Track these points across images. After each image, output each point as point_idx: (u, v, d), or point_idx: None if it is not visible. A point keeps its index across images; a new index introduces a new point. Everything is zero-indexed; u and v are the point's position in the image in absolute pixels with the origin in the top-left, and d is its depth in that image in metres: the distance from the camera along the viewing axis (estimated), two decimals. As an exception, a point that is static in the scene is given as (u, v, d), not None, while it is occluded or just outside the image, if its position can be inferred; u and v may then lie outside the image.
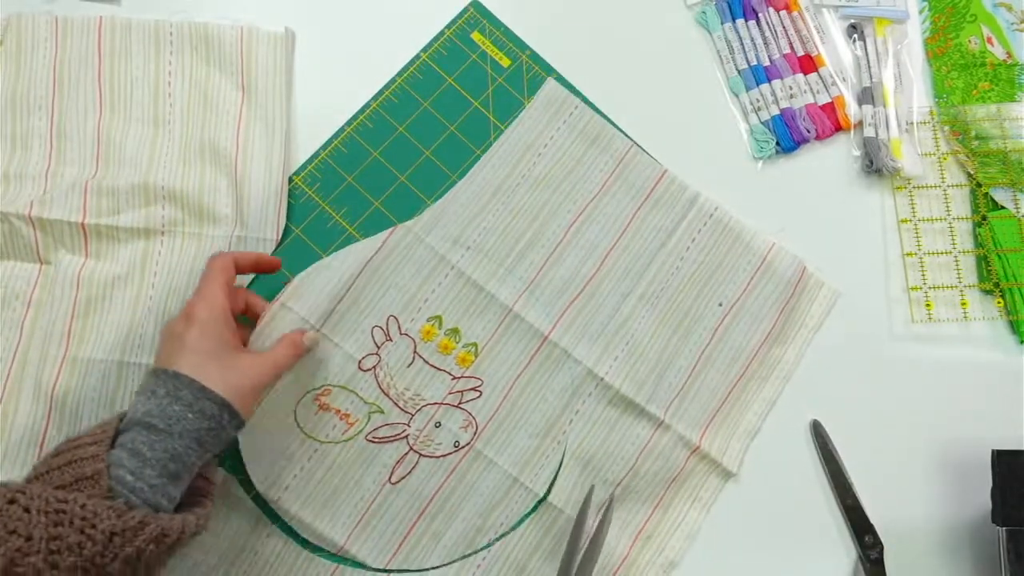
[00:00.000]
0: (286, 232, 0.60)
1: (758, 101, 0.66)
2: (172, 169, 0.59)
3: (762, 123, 0.66)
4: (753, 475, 0.59)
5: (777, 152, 0.65)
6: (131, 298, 0.56)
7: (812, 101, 0.66)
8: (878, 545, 0.57)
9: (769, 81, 0.66)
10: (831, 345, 0.62)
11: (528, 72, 0.65)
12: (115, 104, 0.61)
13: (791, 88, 0.66)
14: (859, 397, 0.61)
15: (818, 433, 0.60)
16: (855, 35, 0.68)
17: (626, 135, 0.64)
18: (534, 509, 0.57)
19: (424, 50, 0.65)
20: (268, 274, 0.58)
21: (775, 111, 0.66)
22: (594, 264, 0.61)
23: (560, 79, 0.65)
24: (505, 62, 0.65)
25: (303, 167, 0.62)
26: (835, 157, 0.66)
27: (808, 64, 0.67)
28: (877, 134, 0.65)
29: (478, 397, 0.58)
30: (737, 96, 0.67)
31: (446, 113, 0.63)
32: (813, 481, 0.60)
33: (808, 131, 0.65)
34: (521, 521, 0.57)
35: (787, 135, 0.65)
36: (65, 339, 0.55)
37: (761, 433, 0.60)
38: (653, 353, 0.60)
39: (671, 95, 0.66)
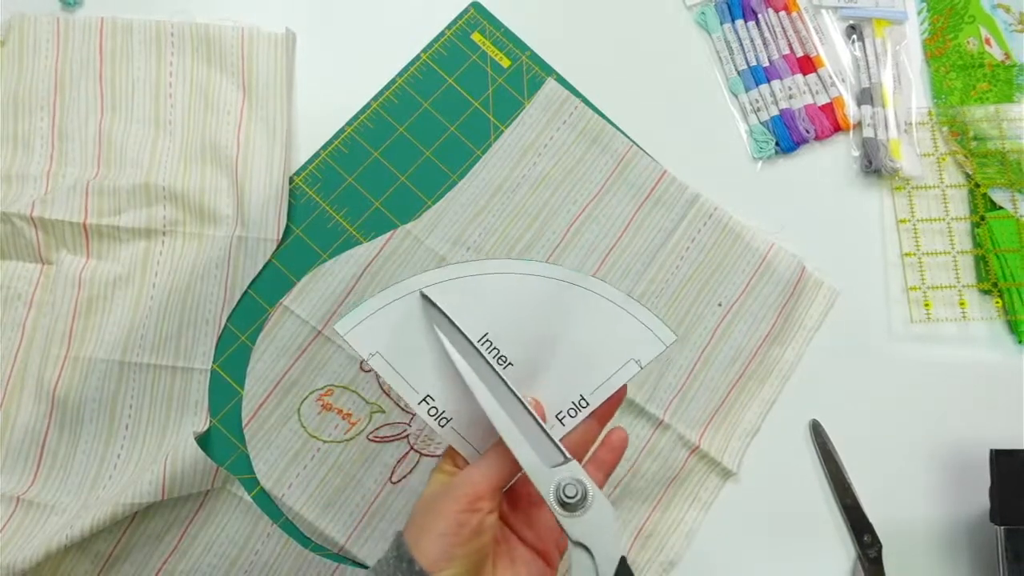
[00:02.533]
0: (287, 232, 0.60)
1: (757, 102, 0.66)
2: (173, 169, 0.59)
3: (761, 123, 0.66)
4: (753, 475, 0.60)
5: (776, 152, 0.66)
6: (132, 298, 0.57)
7: (811, 102, 0.67)
8: (877, 544, 0.57)
9: (768, 82, 0.66)
10: (830, 345, 0.62)
11: (528, 72, 0.65)
12: (116, 105, 0.61)
13: (790, 89, 0.66)
14: (858, 397, 0.61)
15: (817, 433, 0.60)
16: (854, 36, 0.68)
17: (626, 135, 0.64)
18: (534, 508, 0.57)
19: (424, 50, 0.65)
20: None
21: (774, 111, 0.66)
22: (594, 264, 0.61)
23: (560, 79, 0.65)
24: (505, 62, 0.65)
25: (304, 167, 0.62)
26: (834, 157, 0.66)
27: (807, 65, 0.67)
28: (876, 134, 0.65)
29: (478, 397, 0.58)
30: (736, 97, 0.67)
31: (446, 113, 0.63)
32: (812, 481, 0.60)
33: (807, 131, 0.66)
34: (521, 520, 0.57)
35: (786, 135, 0.65)
36: (66, 339, 0.55)
37: (761, 433, 0.60)
38: (653, 353, 0.60)
39: (671, 95, 0.66)
